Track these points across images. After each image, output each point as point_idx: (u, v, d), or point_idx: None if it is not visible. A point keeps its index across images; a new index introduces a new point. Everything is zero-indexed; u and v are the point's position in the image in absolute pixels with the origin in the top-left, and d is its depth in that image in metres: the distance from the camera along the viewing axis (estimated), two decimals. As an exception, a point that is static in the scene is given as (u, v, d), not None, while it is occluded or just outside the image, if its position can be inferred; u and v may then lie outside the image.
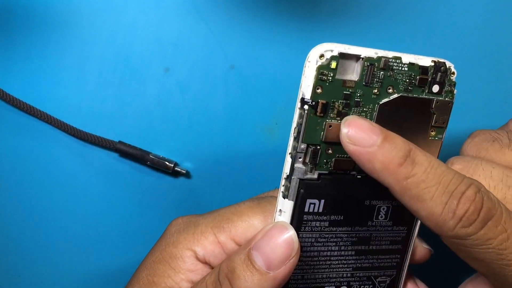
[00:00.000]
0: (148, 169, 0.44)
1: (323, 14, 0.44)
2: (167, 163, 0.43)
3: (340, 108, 0.30)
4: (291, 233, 0.29)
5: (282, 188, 0.30)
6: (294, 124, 0.29)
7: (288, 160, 0.30)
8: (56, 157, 0.43)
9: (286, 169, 0.30)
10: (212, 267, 0.33)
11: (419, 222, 0.33)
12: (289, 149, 0.30)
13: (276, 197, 0.31)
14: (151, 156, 0.43)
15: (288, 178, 0.30)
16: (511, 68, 0.46)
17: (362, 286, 0.34)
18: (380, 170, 0.27)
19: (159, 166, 0.43)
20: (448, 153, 0.45)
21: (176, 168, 0.43)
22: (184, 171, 0.43)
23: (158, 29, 0.43)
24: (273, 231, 0.29)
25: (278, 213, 0.31)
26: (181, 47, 0.43)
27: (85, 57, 0.43)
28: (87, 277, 0.44)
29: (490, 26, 0.45)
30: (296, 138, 0.30)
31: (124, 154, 0.43)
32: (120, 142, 0.43)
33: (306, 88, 0.29)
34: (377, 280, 0.34)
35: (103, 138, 0.43)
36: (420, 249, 0.35)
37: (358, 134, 0.28)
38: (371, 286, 0.34)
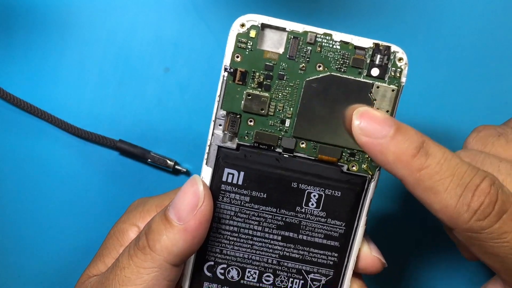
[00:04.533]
0: (149, 168, 0.44)
1: (323, 14, 0.44)
2: (168, 161, 0.43)
3: (261, 79, 0.30)
4: (199, 183, 0.29)
5: (205, 155, 0.31)
6: (218, 92, 0.30)
7: (211, 127, 0.30)
8: (57, 155, 0.43)
9: (209, 136, 0.31)
10: None
11: (362, 222, 0.32)
12: (213, 116, 0.30)
13: None
14: (151, 154, 0.43)
15: (210, 145, 0.31)
16: (511, 68, 0.46)
17: (291, 279, 0.33)
18: (393, 161, 0.27)
19: (160, 164, 0.43)
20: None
21: (176, 167, 0.43)
22: (185, 170, 0.43)
23: (158, 29, 0.43)
24: (185, 185, 0.30)
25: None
26: (181, 47, 0.43)
27: (85, 56, 0.43)
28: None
29: (490, 26, 0.45)
30: (217, 105, 0.30)
31: (124, 153, 0.43)
32: (120, 140, 0.43)
33: (226, 56, 0.30)
34: (309, 276, 0.33)
35: (104, 136, 0.43)
36: (367, 256, 0.33)
37: (370, 126, 0.27)
38: (302, 281, 0.33)
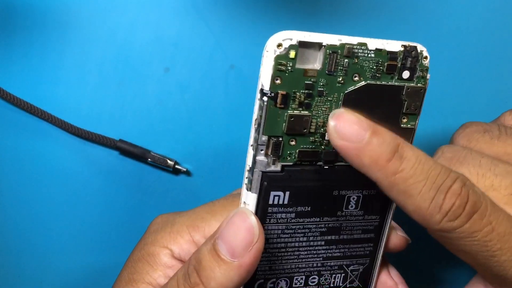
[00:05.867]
0: (149, 167, 0.44)
1: (323, 14, 0.44)
2: (168, 160, 0.43)
3: (302, 99, 0.28)
4: (251, 218, 0.28)
5: (245, 181, 0.30)
6: (254, 116, 0.28)
7: (250, 152, 0.29)
8: (57, 155, 0.43)
9: (249, 161, 0.29)
10: None
11: (392, 211, 0.33)
12: (251, 141, 0.29)
13: None
14: (152, 154, 0.43)
15: (251, 170, 0.29)
16: (511, 68, 0.46)
17: (334, 275, 0.34)
18: (368, 165, 0.28)
19: (160, 163, 0.43)
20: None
21: (176, 166, 0.43)
22: (185, 169, 0.43)
23: (158, 29, 0.43)
24: (234, 218, 0.29)
25: (242, 205, 0.30)
26: (181, 47, 0.43)
27: (85, 56, 0.43)
28: (87, 277, 0.44)
29: (490, 26, 0.45)
30: (257, 130, 0.29)
31: (124, 152, 0.43)
32: (120, 140, 0.43)
33: (264, 79, 0.28)
34: (349, 268, 0.34)
35: (104, 136, 0.43)
36: (394, 236, 0.35)
37: (346, 129, 0.28)
38: (343, 274, 0.34)
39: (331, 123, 0.28)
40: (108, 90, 0.43)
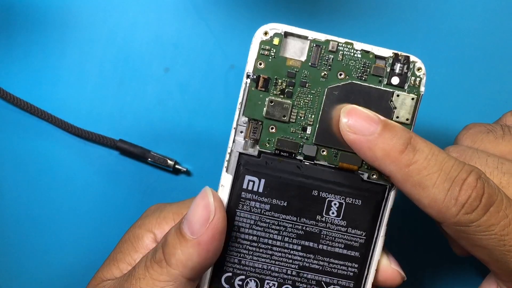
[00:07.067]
0: (149, 167, 0.44)
1: (323, 14, 0.44)
2: (168, 160, 0.43)
3: (284, 86, 0.30)
4: (209, 195, 0.29)
5: (225, 163, 0.31)
6: (240, 99, 0.30)
7: (232, 134, 0.30)
8: (57, 155, 0.43)
9: (230, 144, 0.30)
10: None
11: (382, 231, 0.32)
12: (234, 123, 0.30)
13: None
14: (152, 154, 0.43)
15: (231, 152, 0.31)
16: (511, 68, 0.46)
17: None
18: (381, 158, 0.28)
19: (160, 163, 0.43)
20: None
21: (176, 166, 0.43)
22: (185, 169, 0.43)
23: (158, 29, 0.43)
24: (196, 198, 0.30)
25: (220, 187, 0.31)
26: (181, 47, 0.43)
27: (85, 56, 0.43)
28: (87, 276, 0.44)
29: (490, 26, 0.45)
30: (239, 112, 0.30)
31: (124, 152, 0.43)
32: (120, 140, 0.43)
33: (249, 63, 0.30)
34: None
35: (104, 136, 0.43)
36: (387, 268, 0.33)
37: (358, 123, 0.28)
38: None
39: (343, 120, 0.29)
40: (108, 90, 0.43)
